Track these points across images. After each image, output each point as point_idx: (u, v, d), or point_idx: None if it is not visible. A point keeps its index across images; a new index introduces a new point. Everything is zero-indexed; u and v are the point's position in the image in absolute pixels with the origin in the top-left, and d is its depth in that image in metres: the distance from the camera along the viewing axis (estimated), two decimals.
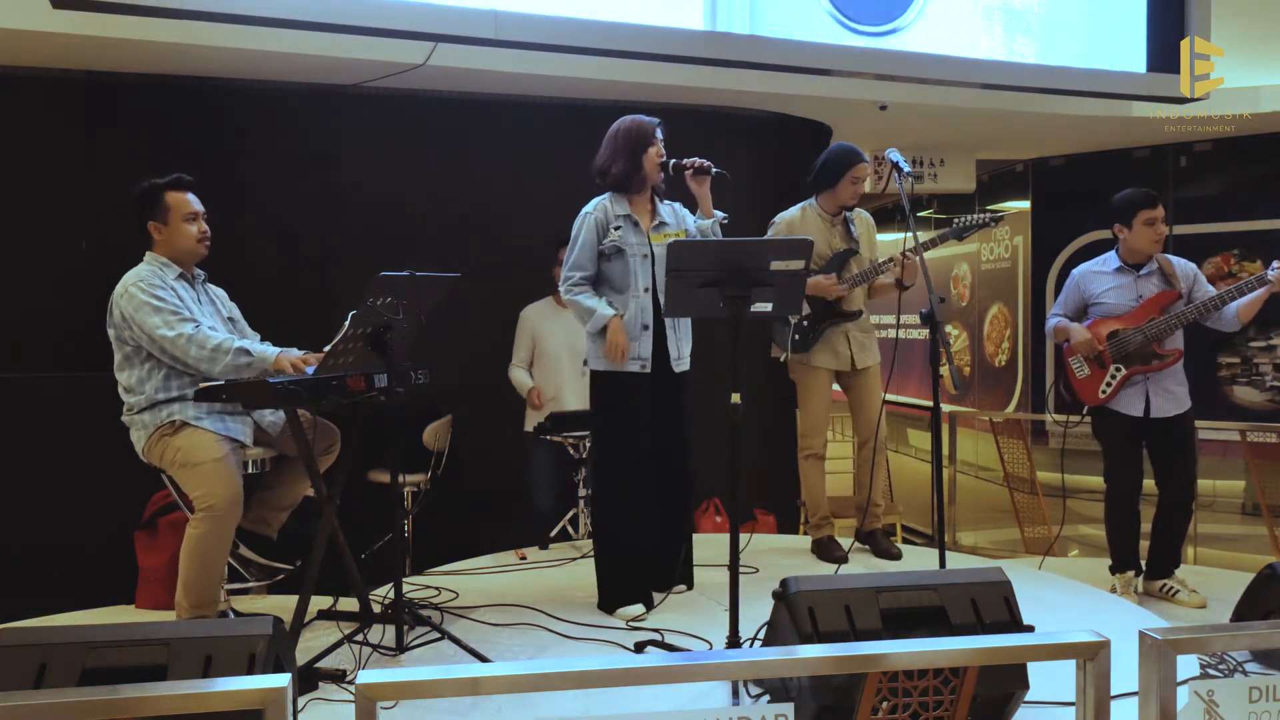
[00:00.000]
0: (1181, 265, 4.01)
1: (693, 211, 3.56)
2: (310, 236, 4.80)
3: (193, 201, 3.20)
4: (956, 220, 3.85)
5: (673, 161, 3.37)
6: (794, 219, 4.04)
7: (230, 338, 3.05)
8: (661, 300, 3.32)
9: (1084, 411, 4.11)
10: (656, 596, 3.41)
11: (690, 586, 3.57)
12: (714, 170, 3.35)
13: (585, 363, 3.54)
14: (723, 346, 2.78)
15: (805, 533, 4.43)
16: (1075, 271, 4.17)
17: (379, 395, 2.99)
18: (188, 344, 2.98)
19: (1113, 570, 4.06)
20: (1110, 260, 4.05)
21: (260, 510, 3.35)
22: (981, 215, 3.88)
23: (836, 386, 4.14)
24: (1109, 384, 3.95)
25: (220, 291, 3.41)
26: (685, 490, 3.56)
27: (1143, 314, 3.92)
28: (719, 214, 3.45)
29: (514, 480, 4.68)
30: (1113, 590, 3.97)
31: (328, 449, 3.31)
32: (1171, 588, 4.03)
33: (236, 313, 3.42)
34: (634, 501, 3.37)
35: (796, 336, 4.03)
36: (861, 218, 4.10)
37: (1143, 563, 4.10)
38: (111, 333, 3.12)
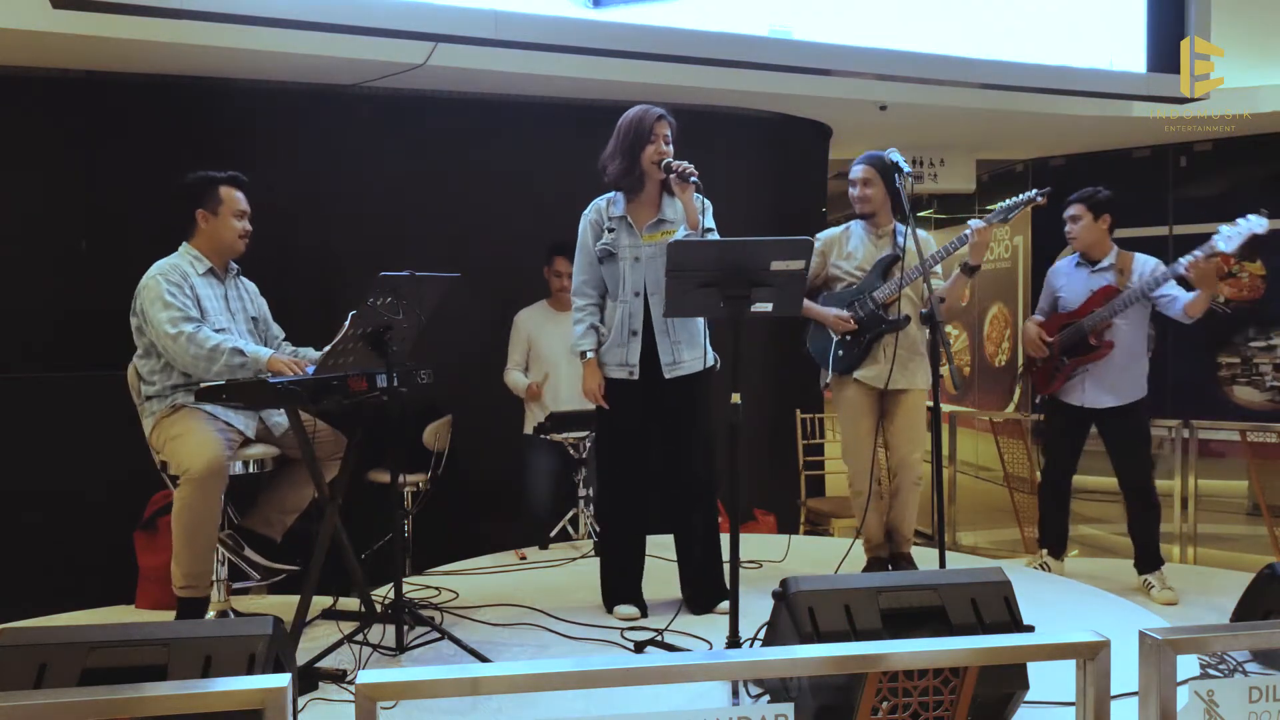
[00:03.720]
0: (1141, 262, 4.14)
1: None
2: (310, 236, 4.80)
3: (243, 200, 3.26)
4: (1003, 202, 3.61)
5: (665, 161, 3.23)
6: (835, 235, 3.84)
7: (227, 338, 3.07)
8: (652, 303, 3.25)
9: (1036, 399, 4.37)
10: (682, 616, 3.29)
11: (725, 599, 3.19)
12: (693, 179, 3.14)
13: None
14: (723, 347, 2.78)
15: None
16: (1050, 269, 4.45)
17: (380, 395, 2.99)
18: (187, 343, 3.02)
19: (1039, 545, 4.42)
20: (1074, 257, 4.28)
21: (266, 511, 3.36)
22: (1028, 194, 3.58)
23: None
24: (1056, 373, 4.18)
25: (251, 286, 3.45)
26: (695, 504, 3.36)
27: (1087, 307, 4.12)
28: (706, 224, 3.23)
29: (514, 480, 4.67)
30: (1029, 564, 4.31)
31: (334, 455, 3.32)
32: (1149, 583, 4.16)
33: (264, 310, 3.46)
34: (626, 505, 3.38)
35: (840, 352, 3.72)
36: (917, 234, 3.62)
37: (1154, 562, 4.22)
38: (134, 322, 3.18)
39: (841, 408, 3.80)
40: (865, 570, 3.81)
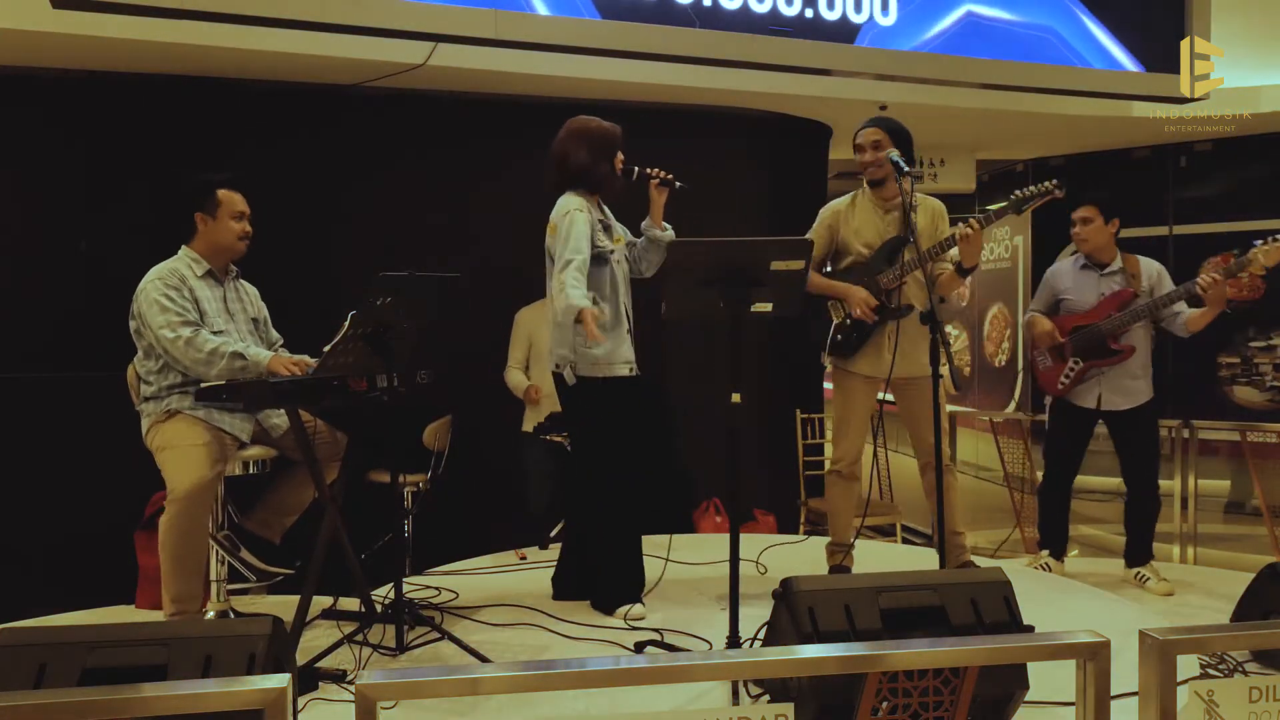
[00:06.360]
0: (1147, 265, 4.19)
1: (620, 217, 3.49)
2: (309, 236, 4.80)
3: (242, 201, 3.27)
4: (1015, 193, 3.51)
5: (636, 168, 3.32)
6: (840, 206, 3.70)
7: (226, 341, 3.07)
8: (626, 304, 3.35)
9: (1045, 400, 4.36)
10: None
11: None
12: (678, 184, 3.31)
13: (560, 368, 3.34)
14: (723, 346, 2.77)
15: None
16: (1049, 269, 4.43)
17: (381, 395, 2.99)
18: (186, 347, 3.02)
19: (1039, 547, 4.40)
20: (1079, 259, 4.27)
21: (264, 513, 3.35)
22: (1042, 185, 3.46)
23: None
24: (1068, 375, 4.17)
25: (252, 289, 3.46)
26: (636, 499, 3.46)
27: (1102, 310, 4.13)
28: (668, 227, 3.41)
29: (514, 480, 4.67)
30: (1029, 565, 4.29)
31: (334, 456, 3.32)
32: (1143, 575, 4.21)
33: (265, 313, 3.47)
34: (630, 505, 3.36)
35: (839, 337, 3.65)
36: (927, 206, 3.65)
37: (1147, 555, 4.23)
38: (132, 324, 3.18)
39: (836, 392, 3.73)
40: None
